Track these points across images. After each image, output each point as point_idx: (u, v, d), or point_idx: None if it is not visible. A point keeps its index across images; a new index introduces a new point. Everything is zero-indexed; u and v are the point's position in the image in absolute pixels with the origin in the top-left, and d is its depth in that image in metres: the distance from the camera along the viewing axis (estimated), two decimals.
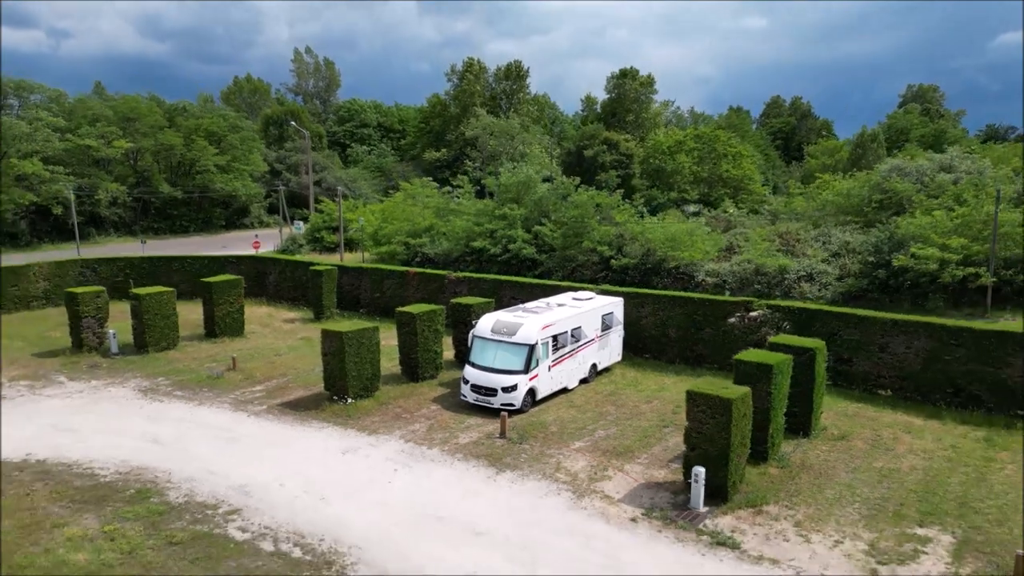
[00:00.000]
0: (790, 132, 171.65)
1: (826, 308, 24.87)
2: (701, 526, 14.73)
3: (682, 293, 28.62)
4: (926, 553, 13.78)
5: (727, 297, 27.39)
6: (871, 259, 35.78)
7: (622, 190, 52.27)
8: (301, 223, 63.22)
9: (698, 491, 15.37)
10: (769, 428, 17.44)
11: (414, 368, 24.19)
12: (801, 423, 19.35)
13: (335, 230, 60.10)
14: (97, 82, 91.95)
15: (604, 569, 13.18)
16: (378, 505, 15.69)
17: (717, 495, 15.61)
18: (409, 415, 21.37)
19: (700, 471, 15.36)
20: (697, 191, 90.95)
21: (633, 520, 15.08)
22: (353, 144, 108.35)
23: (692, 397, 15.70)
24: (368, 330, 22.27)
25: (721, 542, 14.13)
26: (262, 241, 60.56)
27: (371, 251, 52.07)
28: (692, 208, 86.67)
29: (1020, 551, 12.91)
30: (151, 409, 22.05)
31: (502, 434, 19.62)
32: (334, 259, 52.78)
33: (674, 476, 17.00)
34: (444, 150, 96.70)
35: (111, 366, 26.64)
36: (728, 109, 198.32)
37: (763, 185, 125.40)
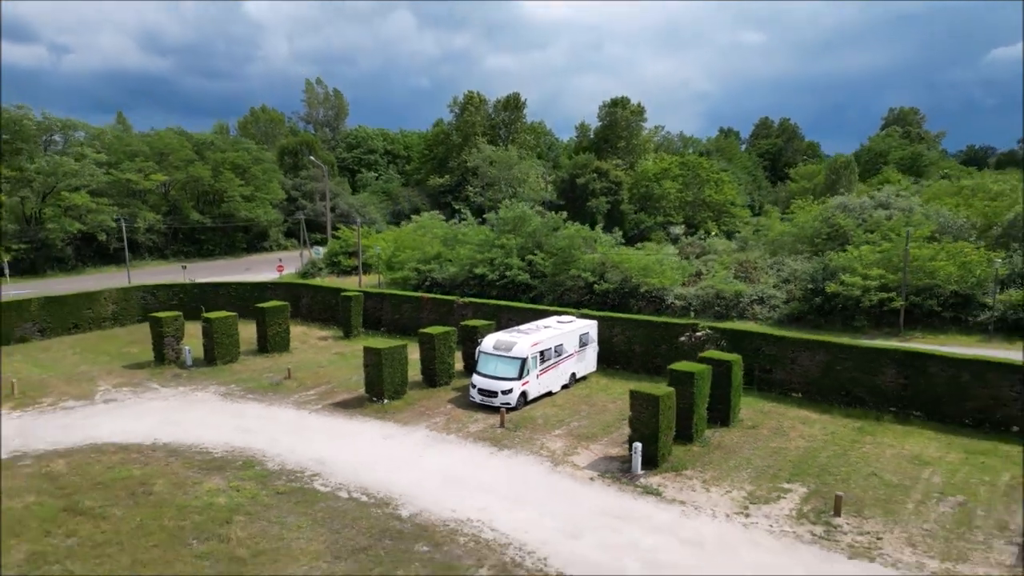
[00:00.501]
0: (777, 153, 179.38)
1: (753, 329, 31.75)
2: (637, 483, 21.51)
3: (644, 317, 35.46)
4: (784, 498, 20.56)
5: (678, 320, 34.16)
6: (810, 286, 42.71)
7: (601, 224, 59.17)
8: (320, 248, 70.17)
9: (636, 460, 22.13)
10: (693, 418, 24.23)
11: (433, 376, 31.00)
12: (722, 416, 26.12)
13: (351, 255, 67.11)
14: (119, 112, 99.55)
15: (560, 502, 19.95)
16: (414, 471, 22.43)
17: (650, 463, 22.38)
18: (431, 412, 28.17)
19: (638, 446, 22.15)
20: (682, 215, 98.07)
21: (591, 479, 21.86)
22: (362, 170, 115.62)
23: (633, 395, 22.52)
24: (399, 347, 29.09)
25: (649, 491, 20.91)
26: (284, 264, 67.53)
27: (386, 276, 58.97)
28: (677, 230, 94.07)
29: (838, 493, 19.73)
30: (233, 408, 28.83)
31: (501, 425, 26.40)
32: (351, 281, 59.69)
33: (623, 452, 23.75)
34: (447, 176, 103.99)
35: (190, 376, 33.43)
36: (718, 131, 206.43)
37: (748, 206, 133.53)
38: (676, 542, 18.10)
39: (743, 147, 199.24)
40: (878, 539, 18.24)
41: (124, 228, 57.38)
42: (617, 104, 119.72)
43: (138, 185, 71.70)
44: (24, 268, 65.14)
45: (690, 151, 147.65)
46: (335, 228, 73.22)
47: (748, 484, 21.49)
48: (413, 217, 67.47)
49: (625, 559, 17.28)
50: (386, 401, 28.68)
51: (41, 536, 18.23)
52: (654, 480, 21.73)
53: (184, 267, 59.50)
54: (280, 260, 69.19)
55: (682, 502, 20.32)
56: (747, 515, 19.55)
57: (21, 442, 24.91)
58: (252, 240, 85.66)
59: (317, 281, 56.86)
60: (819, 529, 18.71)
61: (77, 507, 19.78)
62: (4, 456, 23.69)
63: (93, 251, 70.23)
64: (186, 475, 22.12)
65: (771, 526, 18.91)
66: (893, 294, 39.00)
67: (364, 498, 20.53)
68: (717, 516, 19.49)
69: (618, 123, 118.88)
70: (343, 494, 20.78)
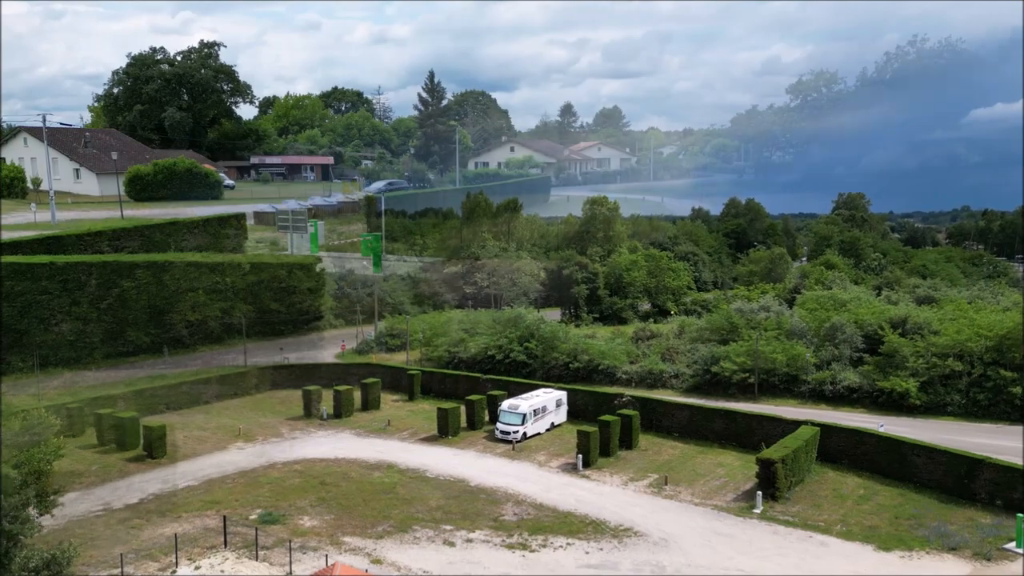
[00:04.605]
0: (741, 232, 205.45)
1: (653, 397, 55.98)
2: (579, 473, 45.34)
3: (594, 388, 59.72)
4: (646, 479, 44.38)
5: (612, 390, 58.30)
6: (704, 367, 66.99)
7: (574, 318, 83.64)
8: (370, 331, 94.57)
9: (579, 463, 46.00)
10: (610, 444, 48.14)
11: (473, 423, 54.93)
12: (628, 443, 49.96)
13: (395, 336, 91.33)
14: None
15: (542, 480, 43.71)
16: (472, 468, 46.15)
17: (587, 465, 46.20)
18: (474, 443, 52.02)
19: (580, 455, 46.08)
20: (647, 299, 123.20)
21: (557, 472, 45.76)
22: (387, 257, 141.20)
23: (578, 431, 46.63)
24: (456, 407, 53.24)
25: (584, 476, 44.78)
26: (345, 343, 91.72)
27: (425, 354, 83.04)
28: (644, 308, 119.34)
29: (665, 475, 43.68)
30: (366, 441, 52.60)
31: (513, 449, 50.26)
32: (398, 357, 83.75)
33: (573, 460, 47.52)
34: (459, 265, 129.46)
35: (329, 424, 57.18)
36: (691, 211, 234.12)
37: (712, 281, 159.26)
38: (592, 494, 41.94)
39: (715, 220, 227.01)
40: (679, 493, 42.15)
41: (244, 322, 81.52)
42: (596, 202, 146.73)
43: (235, 285, 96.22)
44: (155, 349, 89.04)
45: (661, 235, 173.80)
46: (383, 316, 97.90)
47: (632, 474, 45.43)
48: (446, 310, 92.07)
49: (569, 499, 41.11)
50: (450, 436, 52.63)
51: (319, 491, 42.00)
52: (587, 472, 45.66)
53: (281, 348, 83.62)
54: (343, 340, 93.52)
55: (598, 480, 44.24)
56: (626, 485, 43.45)
57: (267, 458, 48.64)
58: (310, 320, 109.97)
59: (377, 360, 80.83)
60: (655, 490, 42.63)
61: (324, 482, 43.57)
62: (263, 463, 47.39)
63: (203, 334, 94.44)
64: (362, 471, 45.92)
65: (635, 489, 42.83)
66: (749, 374, 63.33)
67: (452, 479, 44.37)
68: (613, 485, 43.41)
69: (597, 218, 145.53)
70: (442, 478, 44.63)
